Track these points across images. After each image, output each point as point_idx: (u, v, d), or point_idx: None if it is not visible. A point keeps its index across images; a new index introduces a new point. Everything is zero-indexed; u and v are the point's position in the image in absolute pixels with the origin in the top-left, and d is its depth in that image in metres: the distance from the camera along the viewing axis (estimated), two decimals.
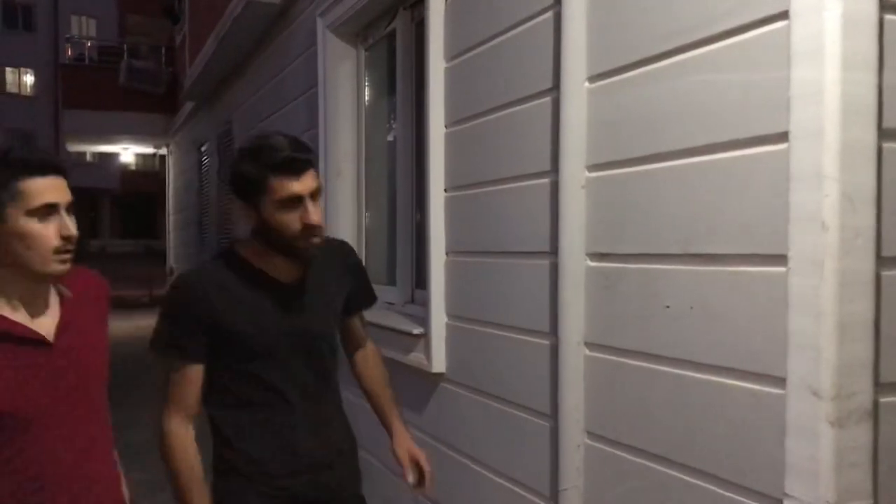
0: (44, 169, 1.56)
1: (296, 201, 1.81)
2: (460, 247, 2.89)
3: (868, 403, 1.49)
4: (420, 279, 3.53)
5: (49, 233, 1.55)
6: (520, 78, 2.45)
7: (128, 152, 16.17)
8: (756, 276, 1.63)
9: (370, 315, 3.87)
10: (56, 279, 1.64)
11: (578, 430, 2.16)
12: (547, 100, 2.30)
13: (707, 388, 1.75)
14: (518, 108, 2.46)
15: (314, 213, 1.83)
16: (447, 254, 2.97)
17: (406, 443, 2.15)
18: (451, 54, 2.90)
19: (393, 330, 3.33)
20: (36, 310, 1.64)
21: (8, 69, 32.39)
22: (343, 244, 2.25)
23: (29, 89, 33.10)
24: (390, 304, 3.84)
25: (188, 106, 10.09)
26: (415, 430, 2.67)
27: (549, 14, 2.28)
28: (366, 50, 4.28)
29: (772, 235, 1.58)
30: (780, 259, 1.55)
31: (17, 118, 31.66)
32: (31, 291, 1.63)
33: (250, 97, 6.56)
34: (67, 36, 21.65)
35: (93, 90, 13.93)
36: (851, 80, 1.46)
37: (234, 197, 1.89)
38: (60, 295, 1.70)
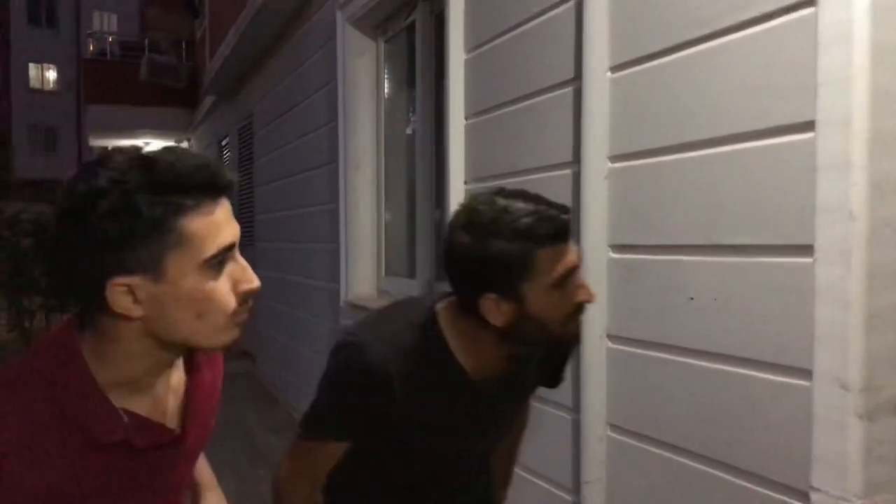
0: (216, 189, 0.99)
1: (570, 276, 1.33)
2: None
3: None
4: (440, 272, 3.52)
5: (226, 290, 1.01)
6: (541, 68, 2.43)
7: (149, 147, 16.20)
8: (782, 267, 1.61)
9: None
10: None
11: (601, 422, 2.15)
12: (569, 90, 2.28)
13: (732, 380, 1.73)
14: (539, 98, 2.44)
15: (587, 289, 1.36)
16: None
17: None
18: (472, 45, 2.88)
19: None
20: (162, 390, 1.12)
21: (31, 65, 32.66)
22: None
23: (52, 85, 33.38)
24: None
25: (209, 100, 10.13)
26: None
27: (571, 3, 2.26)
28: (385, 42, 4.27)
29: (798, 225, 1.56)
30: (807, 249, 1.53)
31: (41, 114, 31.97)
32: (162, 369, 1.10)
33: (270, 91, 6.58)
34: (89, 31, 21.82)
35: (114, 85, 14.01)
36: (880, 67, 1.43)
37: (466, 294, 1.35)
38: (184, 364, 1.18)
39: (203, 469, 1.49)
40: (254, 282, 1.04)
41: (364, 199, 4.37)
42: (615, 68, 2.10)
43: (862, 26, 1.42)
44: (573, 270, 1.32)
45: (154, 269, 0.95)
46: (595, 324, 2.13)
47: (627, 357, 2.08)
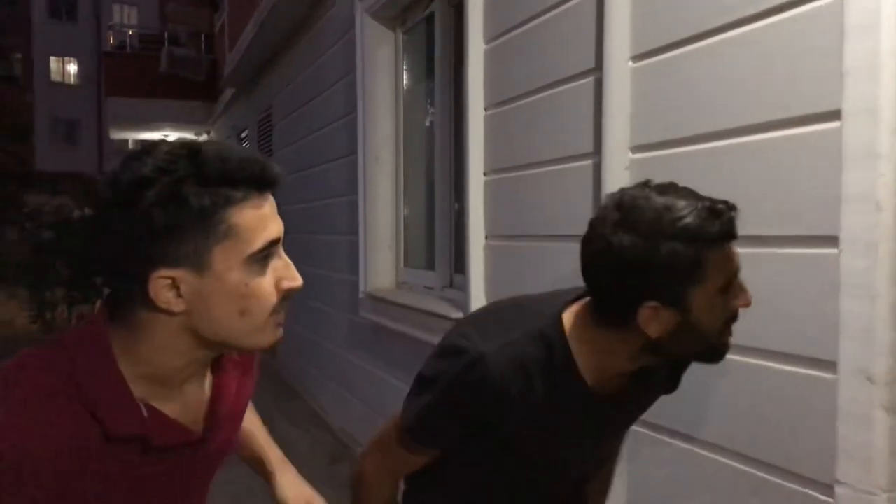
0: (264, 183, 0.97)
1: (736, 279, 1.21)
2: (499, 231, 2.87)
3: None
4: (459, 263, 3.52)
5: (270, 286, 0.98)
6: (561, 58, 2.41)
7: (168, 139, 16.31)
8: (807, 259, 1.59)
9: (408, 298, 3.89)
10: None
11: None
12: (589, 80, 2.26)
13: (755, 372, 1.71)
14: (560, 89, 2.42)
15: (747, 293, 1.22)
16: (486, 238, 2.95)
17: None
18: (491, 36, 2.86)
19: (431, 314, 3.33)
20: (192, 390, 1.07)
21: (52, 58, 32.91)
22: None
23: (73, 78, 33.63)
24: (429, 288, 3.84)
25: (228, 93, 10.17)
26: None
27: None
28: (404, 33, 4.26)
29: (823, 216, 1.54)
30: (832, 240, 1.51)
31: (63, 107, 32.22)
32: (196, 369, 1.06)
33: (289, 83, 6.59)
34: (109, 24, 21.93)
35: (134, 78, 14.10)
36: None
37: (619, 302, 1.19)
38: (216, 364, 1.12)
39: (268, 445, 1.48)
40: (297, 280, 1.01)
41: (383, 190, 4.37)
42: (637, 58, 2.08)
43: (890, 13, 1.40)
44: (738, 273, 1.20)
45: (199, 263, 0.92)
46: None
47: None
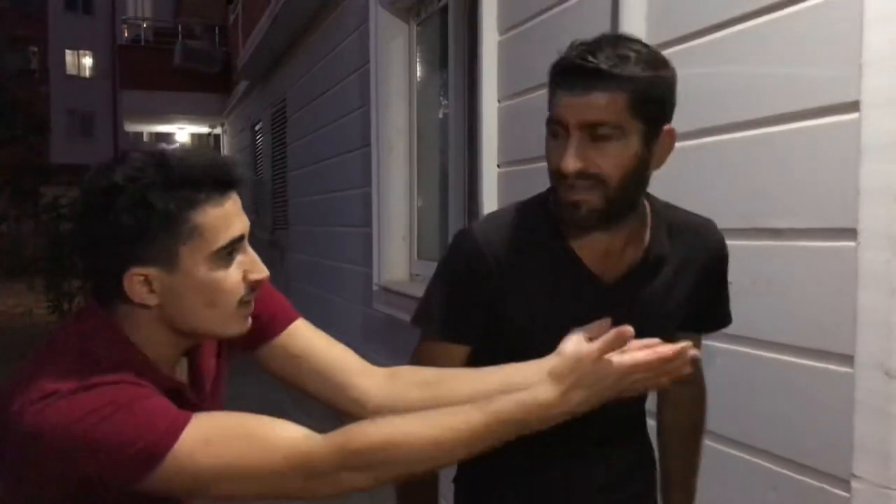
0: (226, 184, 1.06)
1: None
2: None
3: None
4: None
5: (236, 279, 1.07)
6: None
7: (183, 132, 16.44)
8: (824, 251, 1.57)
9: (422, 290, 3.87)
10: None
11: None
12: None
13: (771, 366, 1.70)
14: None
15: (571, 155, 1.19)
16: None
17: None
18: (505, 27, 2.85)
19: None
20: (179, 370, 1.20)
21: (68, 51, 33.09)
22: (709, 226, 1.44)
23: (88, 71, 33.79)
24: None
25: (242, 85, 10.20)
26: None
27: None
28: (418, 25, 4.25)
29: (841, 208, 1.52)
30: (850, 233, 1.49)
31: (78, 100, 32.41)
32: (177, 357, 1.16)
33: (304, 75, 6.59)
34: (124, 17, 21.98)
35: (149, 71, 14.16)
36: None
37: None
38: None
39: None
40: (263, 272, 1.10)
41: (397, 182, 4.37)
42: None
43: None
44: (561, 125, 1.19)
45: (168, 261, 1.02)
46: None
47: None
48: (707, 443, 1.89)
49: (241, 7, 10.38)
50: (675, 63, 1.96)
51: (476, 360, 1.36)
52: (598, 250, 1.27)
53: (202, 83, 13.81)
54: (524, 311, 1.29)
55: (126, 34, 18.09)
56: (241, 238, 1.07)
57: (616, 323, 1.14)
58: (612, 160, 1.16)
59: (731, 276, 1.79)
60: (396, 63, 4.33)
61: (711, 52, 1.85)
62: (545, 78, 2.65)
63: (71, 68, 33.32)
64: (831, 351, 1.55)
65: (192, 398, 1.14)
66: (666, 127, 1.21)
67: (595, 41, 1.19)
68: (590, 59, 1.15)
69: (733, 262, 1.79)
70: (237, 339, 1.19)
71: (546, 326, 1.22)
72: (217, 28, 14.57)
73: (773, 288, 1.70)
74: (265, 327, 1.25)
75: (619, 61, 1.14)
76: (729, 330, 1.80)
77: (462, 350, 1.34)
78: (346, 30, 5.12)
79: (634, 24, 2.08)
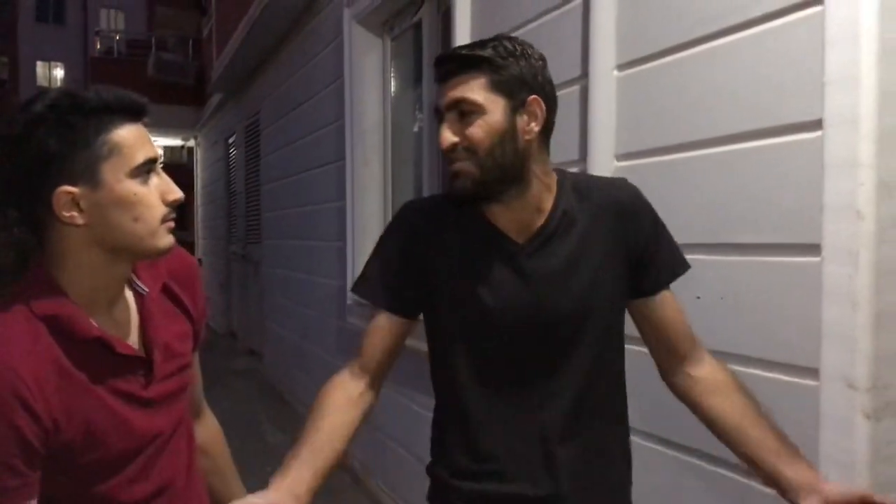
0: (134, 112, 1.16)
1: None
2: None
3: None
4: None
5: (155, 198, 1.16)
6: (548, 66, 2.42)
7: (156, 144, 16.29)
8: (789, 266, 1.61)
9: None
10: (159, 258, 1.23)
11: None
12: (576, 88, 2.28)
13: (739, 379, 1.72)
14: None
15: (444, 131, 1.33)
16: None
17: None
18: None
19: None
20: (120, 314, 1.22)
21: (39, 63, 32.77)
22: (618, 184, 1.48)
23: (59, 83, 33.49)
24: None
25: (216, 98, 10.16)
26: None
27: (578, 1, 2.26)
28: (392, 40, 4.27)
29: (806, 224, 1.55)
30: (814, 248, 1.53)
31: None
32: (116, 287, 1.20)
33: (278, 88, 6.59)
34: (97, 29, 21.88)
35: (121, 83, 13.90)
36: (888, 66, 1.43)
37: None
38: (133, 289, 1.26)
39: (235, 484, 1.56)
40: (178, 192, 1.18)
41: (371, 196, 4.37)
42: (622, 66, 2.09)
43: (869, 24, 1.42)
44: (436, 111, 1.35)
45: (92, 178, 1.10)
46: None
47: (634, 356, 2.07)
48: (676, 455, 1.92)
49: (214, 20, 10.36)
50: (644, 81, 2.01)
51: (428, 334, 1.45)
52: (508, 217, 1.34)
53: (175, 96, 13.74)
54: (446, 272, 1.36)
55: (98, 46, 17.96)
56: (155, 160, 1.17)
57: (536, 276, 1.33)
58: (478, 131, 1.27)
59: (699, 291, 1.82)
60: (371, 77, 4.34)
61: (679, 71, 1.89)
62: None
63: (42, 80, 32.95)
64: (797, 364, 1.58)
65: (126, 354, 1.17)
66: (531, 97, 1.30)
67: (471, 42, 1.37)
68: (453, 51, 1.34)
69: (702, 278, 1.82)
70: None
71: (469, 283, 1.34)
72: (191, 41, 14.53)
73: (740, 302, 1.73)
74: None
75: (475, 49, 1.30)
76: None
77: (396, 322, 1.39)
78: (321, 44, 5.13)
79: (604, 42, 2.12)
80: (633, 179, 2.05)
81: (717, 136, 1.78)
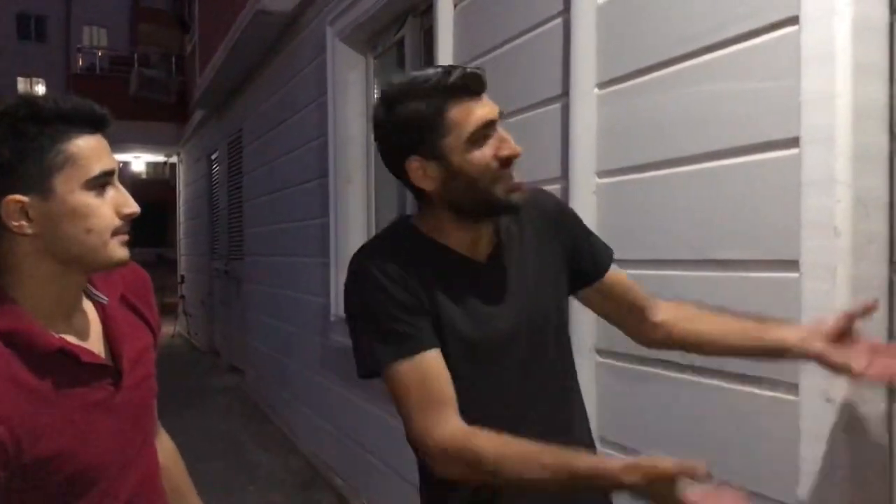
0: (93, 123, 1.14)
1: (487, 129, 1.28)
2: None
3: (881, 410, 1.48)
4: None
5: (109, 210, 1.14)
6: (529, 85, 2.45)
7: (138, 161, 16.26)
8: (768, 282, 1.62)
9: None
10: (111, 271, 1.23)
11: None
12: (556, 106, 2.30)
13: (719, 394, 1.74)
14: (527, 114, 2.46)
15: (510, 142, 1.29)
16: None
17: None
18: (461, 61, 2.89)
19: None
20: (80, 324, 1.20)
21: (20, 79, 32.56)
22: (538, 194, 1.51)
23: None
24: None
25: (198, 115, 10.14)
26: None
27: (559, 21, 2.28)
28: (375, 58, 4.29)
29: (784, 241, 1.57)
30: (792, 265, 1.54)
31: None
32: (72, 298, 1.19)
33: (261, 105, 6.59)
34: (79, 46, 21.80)
35: (104, 99, 13.82)
36: (862, 85, 1.45)
37: (394, 165, 1.33)
38: (92, 300, 1.25)
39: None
40: (133, 206, 1.16)
41: (354, 213, 4.38)
42: (602, 85, 2.11)
43: (844, 45, 1.44)
44: (490, 124, 1.28)
45: (43, 188, 1.08)
46: (584, 338, 2.13)
47: (616, 371, 2.09)
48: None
49: (197, 37, 10.35)
50: (624, 99, 2.03)
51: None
52: (464, 241, 1.36)
53: (158, 112, 13.70)
54: (427, 304, 1.31)
55: (81, 62, 17.89)
56: (112, 172, 1.15)
57: (497, 288, 1.36)
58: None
59: None
60: (354, 95, 4.36)
61: (658, 89, 1.91)
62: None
63: None
64: (777, 379, 1.60)
65: (92, 363, 1.15)
66: None
67: (436, 68, 1.31)
68: (479, 72, 1.31)
69: (682, 293, 1.83)
70: None
71: (447, 311, 1.31)
72: (174, 57, 14.50)
73: None
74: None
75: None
76: (678, 358, 1.84)
77: (438, 352, 1.28)
78: (304, 61, 5.14)
79: (584, 61, 2.14)
80: (613, 196, 2.07)
81: (696, 153, 1.80)
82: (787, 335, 1.35)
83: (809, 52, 1.50)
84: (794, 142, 1.54)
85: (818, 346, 1.30)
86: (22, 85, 32.65)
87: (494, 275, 1.36)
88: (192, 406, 6.56)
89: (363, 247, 1.42)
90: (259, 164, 6.71)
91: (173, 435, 1.53)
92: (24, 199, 1.08)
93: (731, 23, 1.69)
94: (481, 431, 1.21)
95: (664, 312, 1.51)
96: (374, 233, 4.34)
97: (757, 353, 1.42)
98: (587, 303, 1.56)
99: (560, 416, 1.42)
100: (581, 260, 1.48)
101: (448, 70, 1.27)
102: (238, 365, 8.09)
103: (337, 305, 4.35)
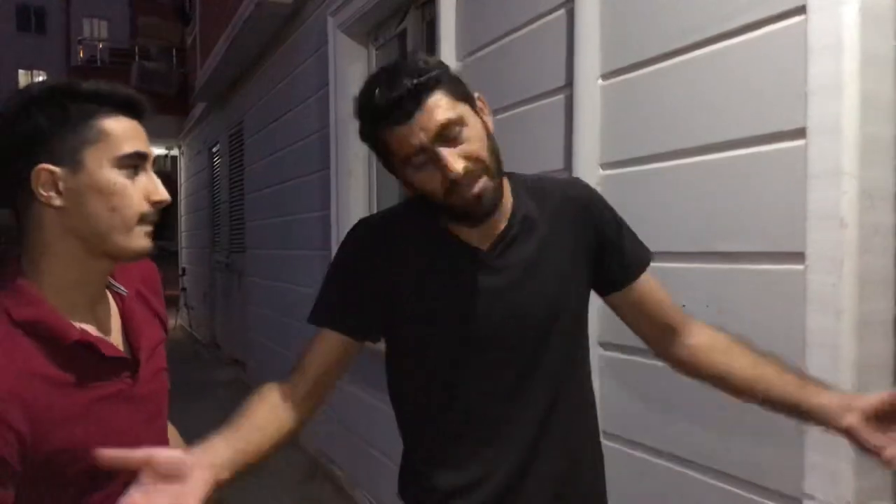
0: (131, 108, 1.15)
1: (417, 155, 1.22)
2: None
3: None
4: None
5: (138, 194, 1.13)
6: (533, 76, 2.43)
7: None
8: (773, 274, 1.61)
9: None
10: (133, 260, 1.21)
11: None
12: (560, 97, 2.29)
13: None
14: (531, 105, 2.45)
15: (450, 159, 1.20)
16: None
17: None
18: (463, 53, 2.88)
19: None
20: (103, 315, 1.20)
21: (20, 71, 32.56)
22: (570, 184, 1.45)
23: None
24: None
25: (199, 107, 10.12)
26: None
27: (562, 11, 2.27)
28: (376, 49, 4.27)
29: (789, 233, 1.56)
30: (798, 256, 1.53)
31: None
32: (95, 286, 1.19)
33: (262, 98, 6.57)
34: (79, 38, 21.75)
35: None
36: (870, 75, 1.44)
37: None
38: (112, 291, 1.25)
39: None
40: (164, 194, 1.16)
41: (356, 205, 4.36)
42: (606, 76, 2.10)
43: (851, 34, 1.43)
44: (417, 148, 1.20)
45: (74, 161, 1.10)
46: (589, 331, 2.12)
47: (620, 364, 2.08)
48: (660, 462, 1.92)
49: (198, 29, 10.33)
50: (628, 90, 2.01)
51: (388, 353, 1.42)
52: (473, 231, 1.30)
53: (158, 105, 13.47)
54: (411, 289, 1.30)
55: (81, 55, 17.86)
56: (145, 156, 1.15)
57: (498, 285, 1.29)
58: (474, 144, 1.22)
59: (684, 299, 1.82)
60: (355, 86, 4.33)
61: (663, 80, 1.90)
62: (503, 102, 2.69)
63: None
64: None
65: (112, 355, 1.15)
66: (475, 94, 1.29)
67: (389, 74, 1.23)
68: (402, 86, 1.20)
69: (687, 285, 1.83)
70: None
71: (437, 298, 1.30)
72: (174, 50, 14.48)
73: (724, 310, 1.73)
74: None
75: (420, 72, 1.21)
76: None
77: (339, 340, 1.33)
78: (305, 53, 5.13)
79: (588, 52, 2.12)
80: (617, 188, 2.06)
81: (701, 144, 1.79)
82: (825, 401, 1.21)
83: (816, 41, 1.49)
84: (800, 133, 1.53)
85: (854, 420, 1.17)
86: (23, 78, 32.63)
87: (495, 264, 1.31)
88: (192, 399, 6.57)
89: (379, 213, 1.43)
90: (260, 156, 6.70)
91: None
92: (56, 169, 1.09)
93: (738, 12, 1.68)
94: (262, 395, 1.32)
95: (696, 336, 1.40)
96: None
97: (785, 410, 1.29)
98: (613, 308, 1.45)
99: (556, 423, 1.34)
100: (607, 262, 1.39)
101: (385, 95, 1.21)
102: (239, 357, 8.09)
103: None
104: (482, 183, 1.22)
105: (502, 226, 1.32)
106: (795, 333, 1.54)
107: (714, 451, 1.76)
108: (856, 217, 1.44)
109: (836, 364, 1.45)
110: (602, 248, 1.38)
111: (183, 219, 12.79)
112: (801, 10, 1.52)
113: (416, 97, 1.19)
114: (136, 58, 14.66)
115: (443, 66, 1.25)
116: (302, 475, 4.73)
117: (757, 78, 1.65)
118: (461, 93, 1.25)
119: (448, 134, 1.20)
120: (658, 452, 1.94)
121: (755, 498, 1.65)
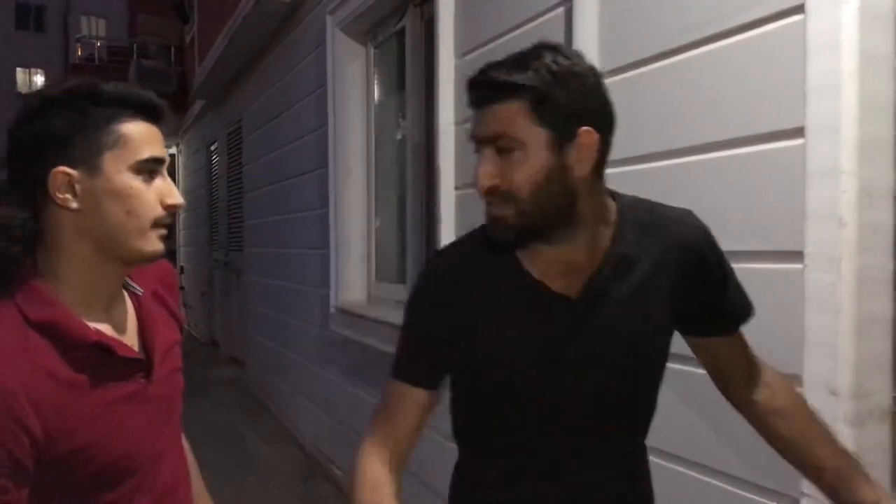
0: (150, 112, 1.15)
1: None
2: None
3: (886, 402, 1.47)
4: None
5: (153, 198, 1.14)
6: None
7: None
8: (772, 274, 1.61)
9: (379, 312, 3.87)
10: (146, 263, 1.22)
11: None
12: None
13: None
14: None
15: (483, 172, 1.15)
16: None
17: None
18: (462, 51, 2.88)
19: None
20: (118, 316, 1.20)
21: (19, 69, 32.54)
22: (680, 222, 1.27)
23: None
24: (400, 302, 3.83)
25: (198, 105, 10.11)
26: None
27: (561, 9, 2.26)
28: (375, 48, 4.27)
29: (788, 232, 1.56)
30: (797, 256, 1.53)
31: None
32: (111, 289, 1.19)
33: (260, 96, 6.56)
34: (78, 36, 21.74)
35: None
36: (869, 75, 1.44)
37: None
38: (128, 291, 1.25)
39: (200, 495, 1.49)
40: (179, 198, 1.17)
41: (354, 204, 4.36)
42: (605, 74, 2.09)
43: (850, 33, 1.43)
44: (475, 140, 1.15)
45: (92, 165, 1.09)
46: None
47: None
48: (658, 461, 1.91)
49: (197, 27, 10.32)
50: (627, 89, 2.01)
51: (454, 403, 1.33)
52: (554, 262, 1.19)
53: None
54: (492, 343, 1.21)
55: (80, 53, 17.84)
56: (162, 160, 1.15)
57: (587, 335, 1.17)
58: (519, 173, 1.11)
59: None
60: (354, 85, 4.34)
61: (661, 78, 1.90)
62: None
63: (21, 86, 32.72)
64: (780, 371, 1.58)
65: (127, 357, 1.15)
66: (582, 129, 1.12)
67: (509, 56, 1.16)
68: (488, 73, 1.13)
69: None
70: None
71: (516, 355, 1.20)
72: (172, 48, 14.46)
73: None
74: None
75: (515, 72, 1.11)
76: (679, 351, 1.83)
77: (426, 396, 1.24)
78: (304, 51, 5.12)
79: (587, 51, 2.12)
80: (615, 187, 2.05)
81: (699, 143, 1.79)
82: (864, 495, 1.19)
83: (815, 41, 1.48)
84: (799, 132, 1.52)
85: None
86: (21, 76, 32.59)
87: (584, 316, 1.18)
88: (191, 397, 6.54)
89: (443, 250, 1.34)
90: (259, 154, 6.70)
91: None
92: (73, 172, 1.09)
93: (737, 12, 1.68)
94: (374, 476, 1.21)
95: (765, 391, 1.34)
96: (373, 224, 4.35)
97: (823, 490, 1.27)
98: (692, 347, 1.36)
99: (629, 473, 1.33)
100: (704, 308, 1.27)
101: None
102: (238, 356, 8.09)
103: (337, 297, 4.34)
104: (502, 212, 1.14)
105: (595, 264, 1.19)
106: (794, 332, 1.53)
107: (714, 452, 1.76)
108: (855, 216, 1.43)
109: (834, 364, 1.45)
110: (703, 294, 1.25)
111: (181, 217, 12.79)
112: (800, 9, 1.52)
113: (493, 94, 1.12)
114: (135, 56, 14.63)
115: (558, 82, 1.10)
116: (300, 474, 4.73)
117: (756, 77, 1.64)
118: (548, 118, 1.10)
119: (500, 145, 1.12)
120: (655, 451, 1.93)
121: (755, 498, 1.65)
